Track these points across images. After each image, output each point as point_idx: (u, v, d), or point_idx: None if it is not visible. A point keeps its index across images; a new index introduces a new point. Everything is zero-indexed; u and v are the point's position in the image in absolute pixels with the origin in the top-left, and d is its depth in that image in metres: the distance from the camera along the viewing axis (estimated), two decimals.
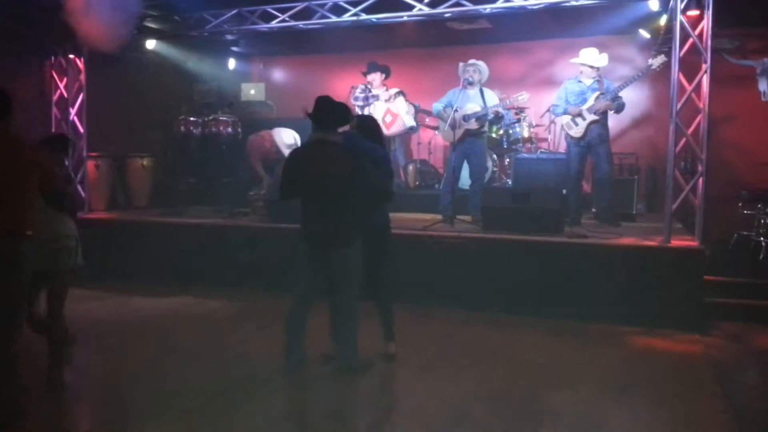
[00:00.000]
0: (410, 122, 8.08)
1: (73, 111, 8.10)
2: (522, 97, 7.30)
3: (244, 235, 7.21)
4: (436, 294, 6.28)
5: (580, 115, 7.02)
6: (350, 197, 4.27)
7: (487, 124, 7.53)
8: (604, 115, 7.02)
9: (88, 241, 7.49)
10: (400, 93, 7.99)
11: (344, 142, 4.37)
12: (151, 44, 8.46)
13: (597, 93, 6.98)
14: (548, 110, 8.96)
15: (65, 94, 8.11)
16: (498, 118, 7.46)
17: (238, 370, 4.57)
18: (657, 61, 6.62)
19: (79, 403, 4.25)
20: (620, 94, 6.92)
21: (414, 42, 9.77)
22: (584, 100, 7.03)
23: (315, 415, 4.08)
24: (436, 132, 8.78)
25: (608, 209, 7.14)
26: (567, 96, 7.15)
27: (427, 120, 9.49)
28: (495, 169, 8.89)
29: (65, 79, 8.10)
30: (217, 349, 5.09)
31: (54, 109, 8.16)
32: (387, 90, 7.65)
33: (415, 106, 8.43)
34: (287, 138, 7.93)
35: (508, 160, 8.88)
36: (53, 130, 8.11)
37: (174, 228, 7.53)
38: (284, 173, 4.44)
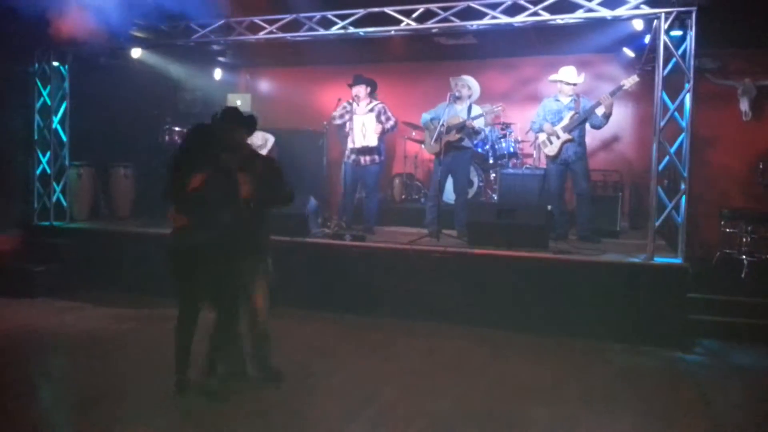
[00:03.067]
0: (373, 142, 7.65)
1: (56, 119, 8.01)
2: (497, 109, 7.33)
3: None
4: (420, 309, 6.26)
5: (554, 133, 7.07)
6: None
7: (471, 137, 7.52)
8: (580, 133, 7.06)
9: (68, 251, 7.62)
10: (376, 108, 7.63)
11: None
12: (136, 53, 8.36)
13: (572, 112, 7.02)
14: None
15: (48, 102, 8.02)
16: (475, 132, 7.41)
17: None
18: (629, 82, 6.69)
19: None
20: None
21: (401, 56, 9.81)
22: (561, 119, 7.07)
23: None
24: (422, 146, 8.78)
25: (588, 226, 7.14)
26: (545, 114, 7.20)
27: (413, 134, 9.50)
28: (481, 184, 8.92)
29: (49, 87, 8.01)
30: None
31: (37, 117, 8.06)
32: (369, 104, 7.55)
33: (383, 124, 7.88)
34: (256, 139, 7.91)
35: (494, 175, 8.91)
36: (35, 137, 8.02)
37: (155, 239, 7.42)
38: None
